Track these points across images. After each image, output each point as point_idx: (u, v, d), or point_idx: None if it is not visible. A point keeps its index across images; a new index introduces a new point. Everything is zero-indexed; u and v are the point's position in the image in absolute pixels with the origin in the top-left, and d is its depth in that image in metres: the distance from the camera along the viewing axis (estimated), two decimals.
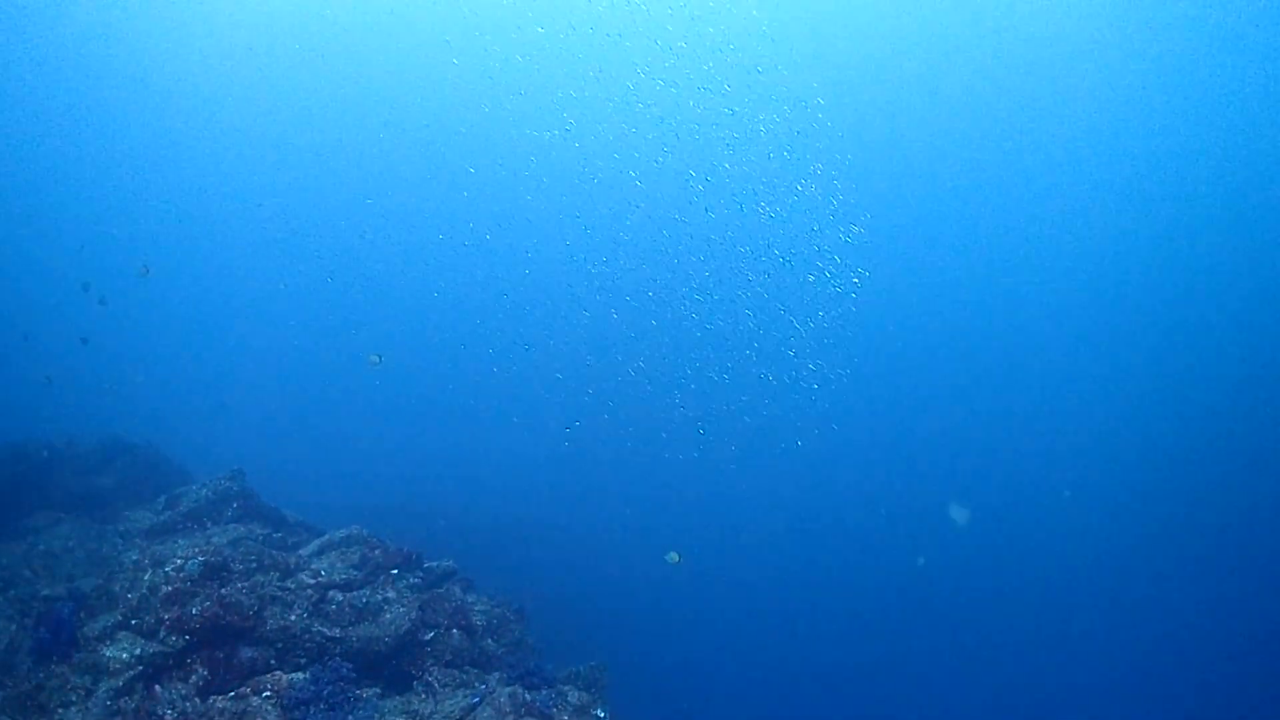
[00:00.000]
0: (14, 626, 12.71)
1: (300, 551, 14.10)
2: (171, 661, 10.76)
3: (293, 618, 11.68)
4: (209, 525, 14.90)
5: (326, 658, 11.63)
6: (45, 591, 13.36)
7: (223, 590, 11.33)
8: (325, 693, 10.71)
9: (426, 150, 42.41)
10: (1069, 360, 54.03)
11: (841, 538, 40.39)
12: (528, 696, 11.58)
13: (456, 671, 12.82)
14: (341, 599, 12.48)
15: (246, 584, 11.66)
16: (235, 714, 10.25)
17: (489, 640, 14.53)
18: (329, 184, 46.27)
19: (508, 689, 11.66)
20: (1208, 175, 45.25)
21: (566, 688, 13.07)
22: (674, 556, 17.00)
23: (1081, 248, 51.88)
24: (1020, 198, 51.43)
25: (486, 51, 37.66)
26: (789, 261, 25.75)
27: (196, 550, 11.72)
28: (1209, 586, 40.64)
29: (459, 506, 30.27)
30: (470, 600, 15.31)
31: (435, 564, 15.33)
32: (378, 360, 24.35)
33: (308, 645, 11.64)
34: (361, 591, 12.86)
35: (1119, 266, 51.71)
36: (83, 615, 11.44)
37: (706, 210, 26.73)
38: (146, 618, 11.00)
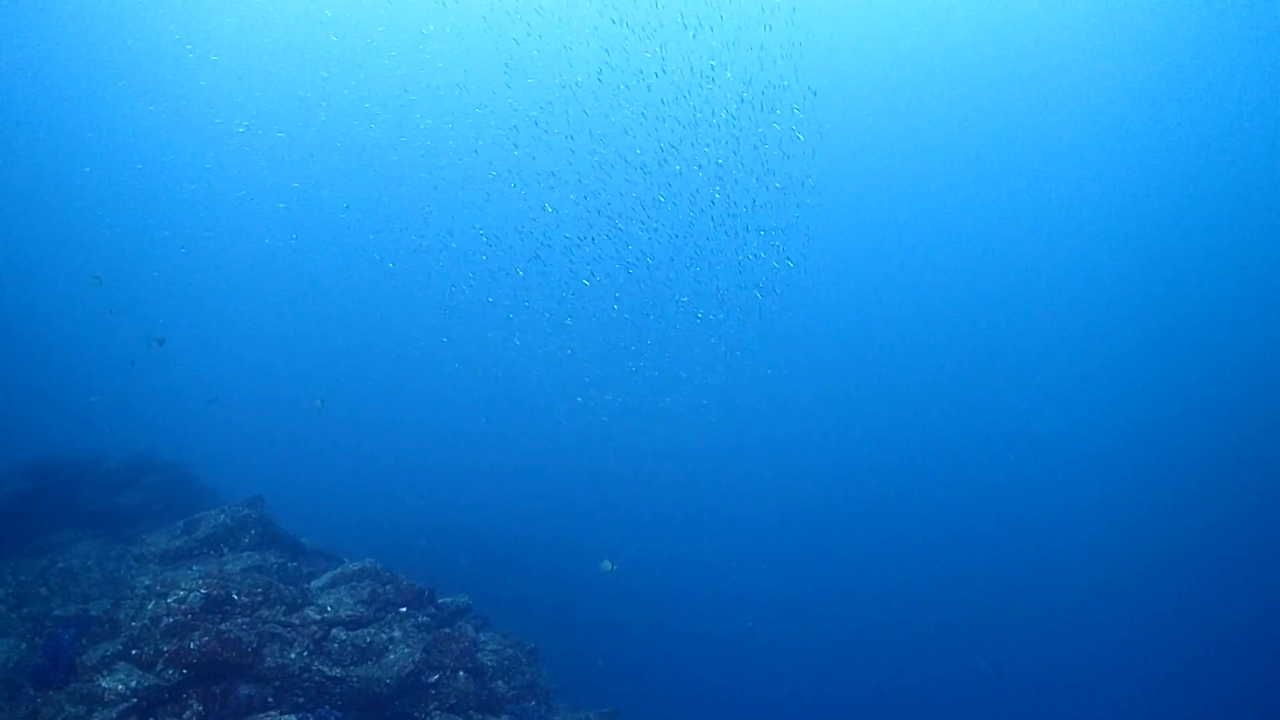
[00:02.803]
0: (24, 645, 12.76)
1: (312, 584, 13.97)
2: (167, 695, 10.64)
3: (292, 656, 11.52)
4: (225, 552, 14.85)
5: (325, 697, 11.46)
6: (58, 611, 13.40)
7: (223, 625, 11.20)
8: None
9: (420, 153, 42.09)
10: (1061, 361, 53.55)
11: (861, 562, 39.86)
12: None
13: (460, 717, 12.58)
14: (345, 637, 12.29)
15: (248, 619, 11.53)
16: None
17: (499, 682, 14.27)
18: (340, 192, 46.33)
19: None
20: (1202, 174, 44.38)
21: None
22: (608, 565, 16.84)
23: (1077, 247, 51.14)
24: (1010, 196, 50.63)
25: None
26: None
27: (201, 581, 11.63)
28: (1208, 587, 40.28)
29: (486, 528, 30.18)
30: (482, 639, 15.09)
31: (448, 600, 15.13)
32: (320, 405, 24.44)
33: (306, 685, 11.47)
34: (367, 630, 12.67)
35: (1118, 267, 50.96)
36: (84, 641, 11.37)
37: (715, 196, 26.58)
38: (146, 648, 10.91)
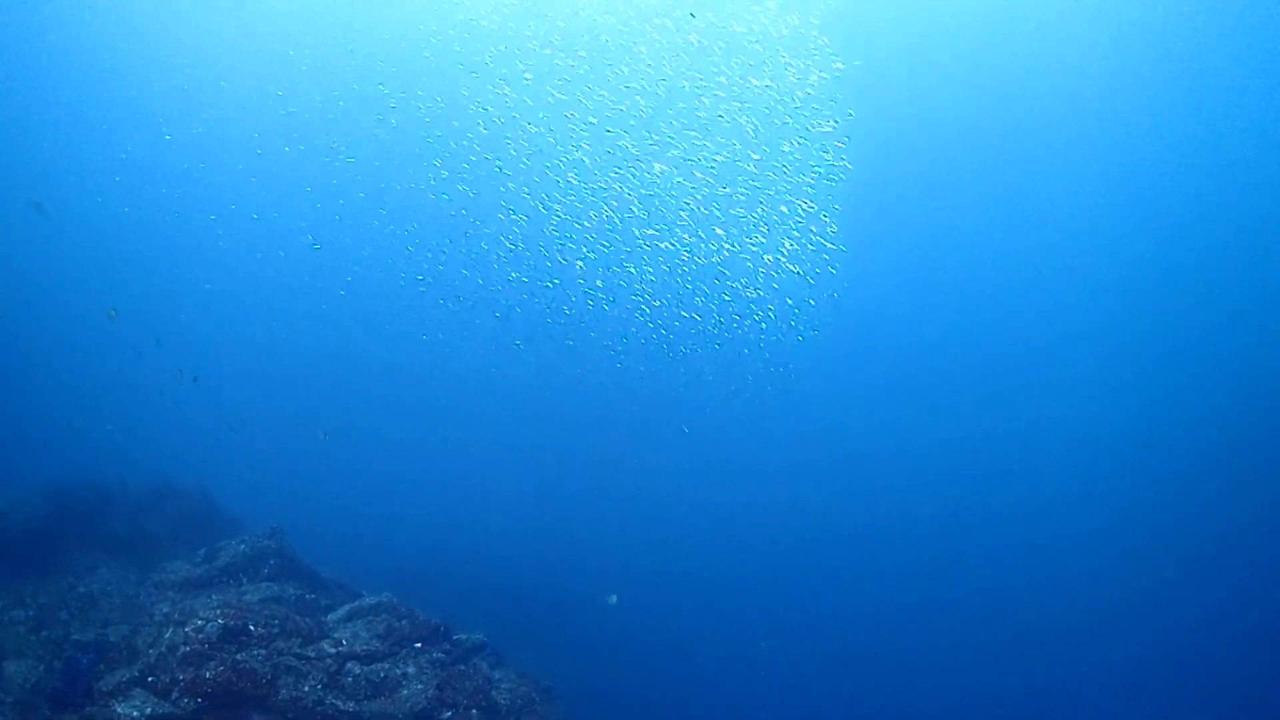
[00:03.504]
0: (41, 668, 12.82)
1: (328, 616, 14.01)
2: None
3: (306, 689, 11.54)
4: (244, 581, 14.93)
5: None
6: (76, 636, 13.47)
7: (239, 655, 11.26)
8: None
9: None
10: (1065, 361, 53.21)
11: (894, 584, 39.67)
12: None
13: None
14: (359, 671, 12.30)
15: (264, 650, 11.58)
16: None
17: None
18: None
19: None
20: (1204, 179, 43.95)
21: None
22: (613, 599, 16.94)
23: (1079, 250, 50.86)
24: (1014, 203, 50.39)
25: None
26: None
27: (219, 611, 11.71)
28: (1208, 589, 39.84)
29: (506, 559, 30.12)
30: (497, 676, 15.01)
31: (464, 636, 15.09)
32: (325, 435, 24.64)
33: (319, 718, 11.47)
34: (381, 664, 12.68)
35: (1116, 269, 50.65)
36: (102, 667, 11.46)
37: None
38: (163, 676, 10.97)
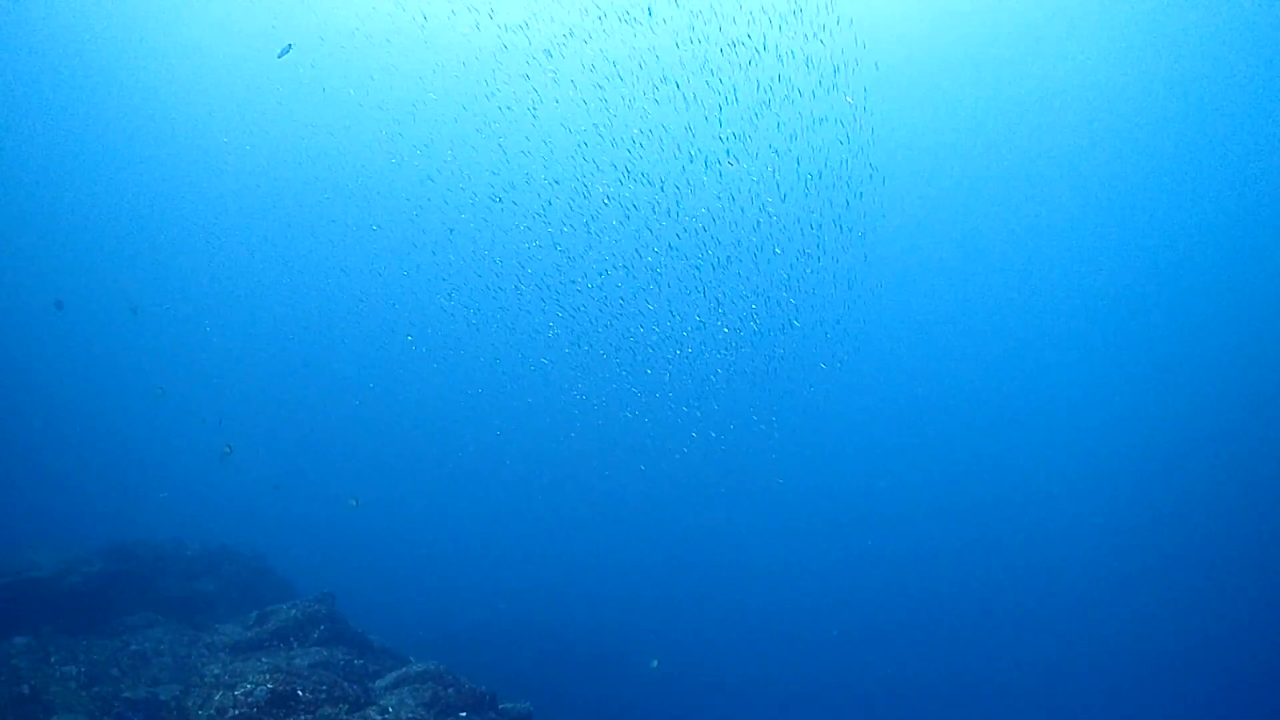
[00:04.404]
0: None
1: (376, 683, 13.92)
2: None
3: None
4: (294, 645, 14.91)
5: None
6: (127, 693, 13.54)
7: None
8: None
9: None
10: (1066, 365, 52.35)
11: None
12: None
13: None
14: None
15: (311, 716, 11.49)
16: None
17: None
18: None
19: None
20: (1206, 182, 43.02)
21: None
22: (655, 664, 16.98)
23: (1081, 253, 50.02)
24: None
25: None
26: None
27: (269, 676, 11.68)
28: (1207, 591, 40.62)
29: (551, 623, 29.93)
30: None
31: (511, 706, 14.91)
32: (355, 504, 24.78)
33: None
34: None
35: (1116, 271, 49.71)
36: None
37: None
38: None
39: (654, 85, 29.25)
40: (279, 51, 29.30)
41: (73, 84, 42.45)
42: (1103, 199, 46.19)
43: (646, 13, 26.32)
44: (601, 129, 27.11)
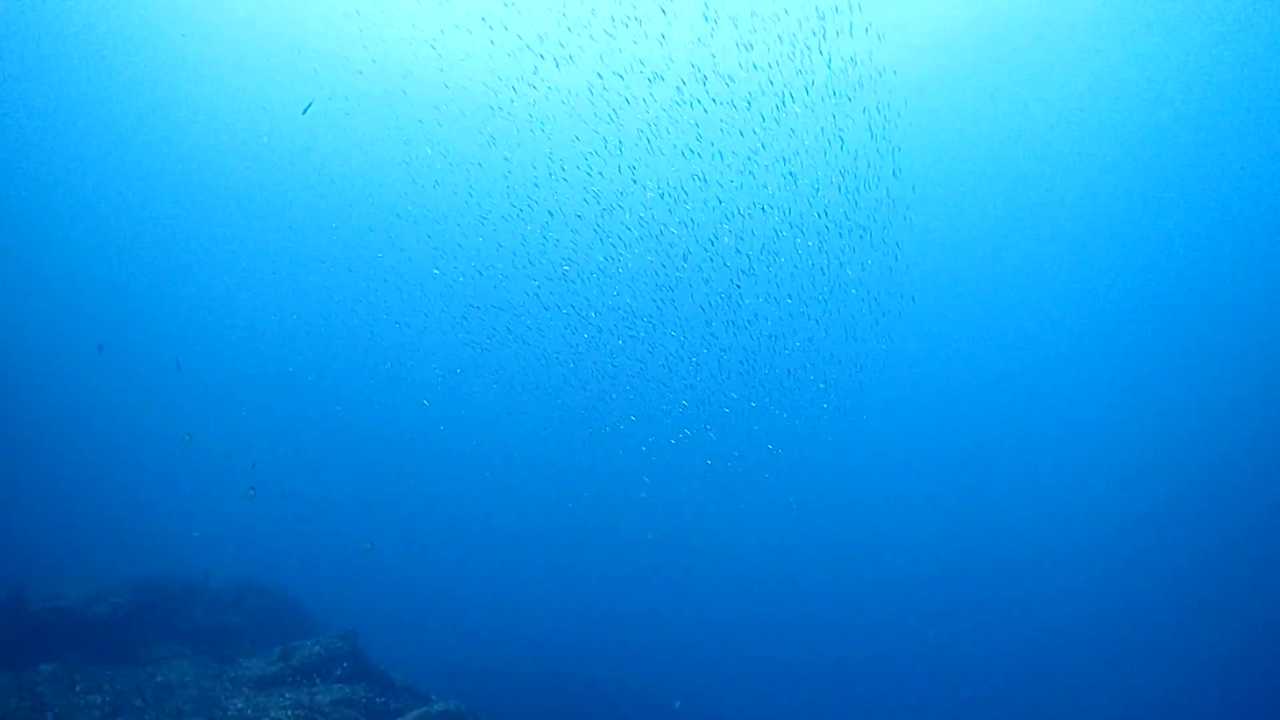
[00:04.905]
0: None
1: None
2: None
3: None
4: (317, 681, 14.86)
5: None
6: None
7: None
8: None
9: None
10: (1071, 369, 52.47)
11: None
12: None
13: None
14: None
15: None
16: None
17: None
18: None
19: None
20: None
21: None
22: (678, 705, 17.23)
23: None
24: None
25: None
26: None
27: (290, 712, 11.67)
28: (1211, 593, 40.76)
29: (583, 665, 29.70)
30: None
31: None
32: (370, 548, 24.98)
33: None
34: None
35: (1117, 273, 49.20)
36: None
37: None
38: None
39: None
40: (303, 109, 30.38)
41: (88, 96, 43.07)
42: (1125, 209, 46.04)
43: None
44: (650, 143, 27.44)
